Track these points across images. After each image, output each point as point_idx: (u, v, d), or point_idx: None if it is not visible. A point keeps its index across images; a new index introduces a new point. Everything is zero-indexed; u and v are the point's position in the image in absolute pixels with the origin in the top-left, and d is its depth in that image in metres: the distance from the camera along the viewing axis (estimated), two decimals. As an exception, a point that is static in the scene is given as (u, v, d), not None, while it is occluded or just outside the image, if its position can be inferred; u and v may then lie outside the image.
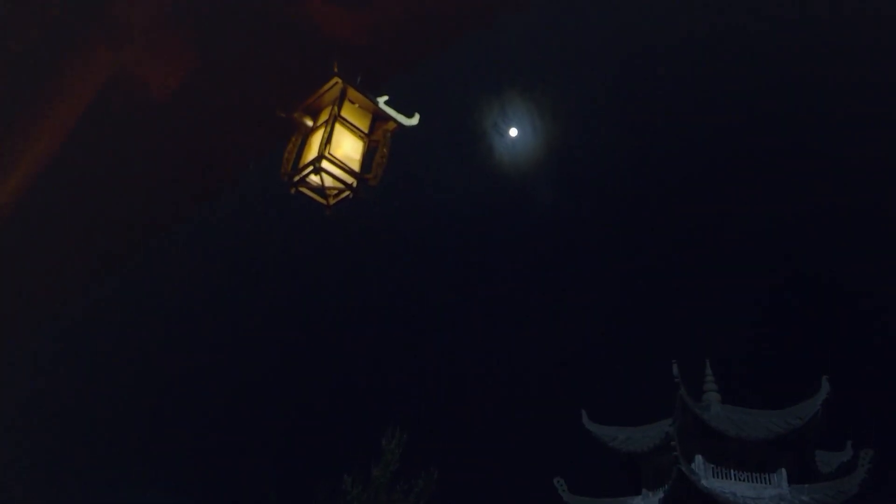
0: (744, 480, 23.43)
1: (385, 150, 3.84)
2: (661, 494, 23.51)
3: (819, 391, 23.94)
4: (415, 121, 3.94)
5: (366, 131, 3.85)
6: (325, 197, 3.77)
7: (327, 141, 3.56)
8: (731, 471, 23.62)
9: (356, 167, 3.71)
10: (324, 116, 3.81)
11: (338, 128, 3.67)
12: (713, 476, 23.36)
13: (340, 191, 3.73)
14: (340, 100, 3.74)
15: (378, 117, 3.94)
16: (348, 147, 3.72)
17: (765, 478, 23.58)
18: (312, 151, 3.68)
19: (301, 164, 3.70)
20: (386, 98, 3.93)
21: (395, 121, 3.90)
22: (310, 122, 3.90)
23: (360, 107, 3.87)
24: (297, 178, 3.67)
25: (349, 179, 3.65)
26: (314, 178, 3.62)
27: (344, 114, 3.74)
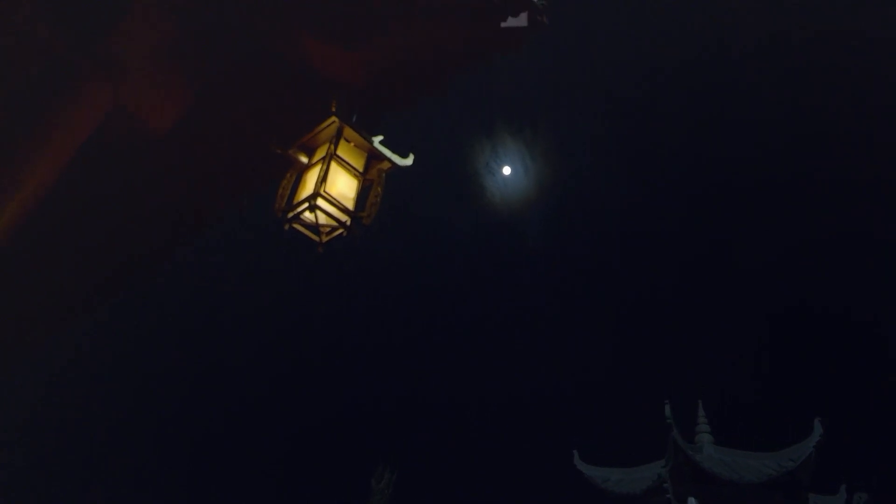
0: (737, 524, 23.03)
1: (379, 189, 3.87)
2: (654, 537, 23.08)
3: (812, 433, 23.78)
4: (409, 161, 3.99)
5: (361, 170, 3.89)
6: (319, 234, 3.79)
7: (323, 178, 3.59)
8: (725, 514, 23.25)
9: (350, 205, 3.73)
10: (320, 154, 3.85)
11: (333, 166, 3.70)
12: (706, 519, 22.99)
13: (334, 228, 3.75)
14: (337, 138, 3.78)
15: (373, 156, 3.99)
16: (343, 185, 3.75)
17: (758, 521, 23.20)
18: (307, 188, 3.71)
19: (296, 201, 3.73)
20: (381, 138, 3.98)
21: (389, 160, 3.95)
22: (305, 159, 3.93)
23: (355, 146, 3.92)
24: (291, 215, 3.69)
25: (343, 217, 3.67)
26: (308, 215, 3.64)
27: (340, 152, 3.78)
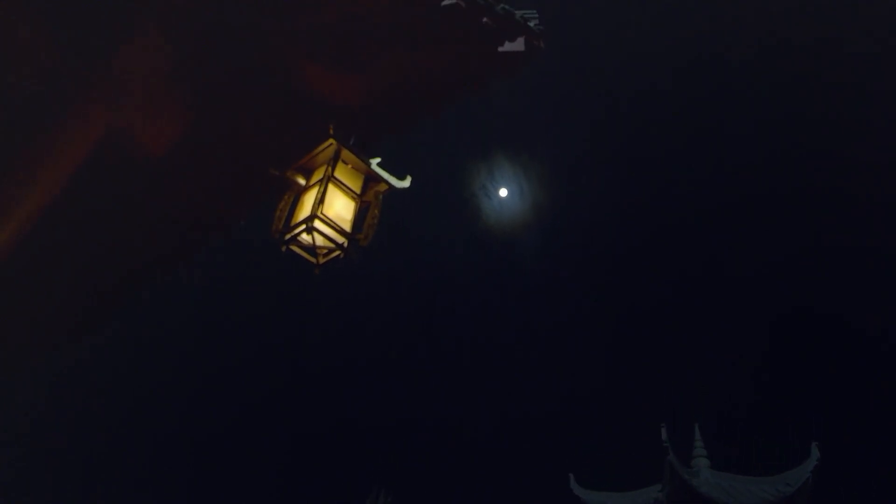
0: (734, 550, 22.82)
1: (376, 210, 3.88)
2: (650, 563, 22.85)
3: (809, 458, 23.66)
4: (406, 183, 4.00)
5: (358, 192, 3.91)
6: (316, 256, 3.79)
7: (320, 201, 3.60)
8: (722, 539, 23.04)
9: (347, 227, 3.74)
10: (317, 176, 3.87)
11: (331, 188, 3.72)
12: (704, 545, 22.77)
13: (331, 250, 3.75)
14: (334, 161, 3.80)
15: (370, 178, 4.00)
16: (340, 207, 3.76)
17: (756, 547, 22.99)
18: (305, 210, 3.72)
19: (293, 223, 3.73)
20: (378, 160, 4.00)
21: (386, 182, 3.96)
22: (302, 181, 3.95)
23: (353, 168, 3.94)
24: (288, 236, 3.69)
25: (340, 239, 3.68)
26: (305, 237, 3.65)
27: (337, 174, 3.79)
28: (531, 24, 4.07)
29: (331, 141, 3.80)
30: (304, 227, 3.58)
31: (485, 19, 3.86)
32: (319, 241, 3.65)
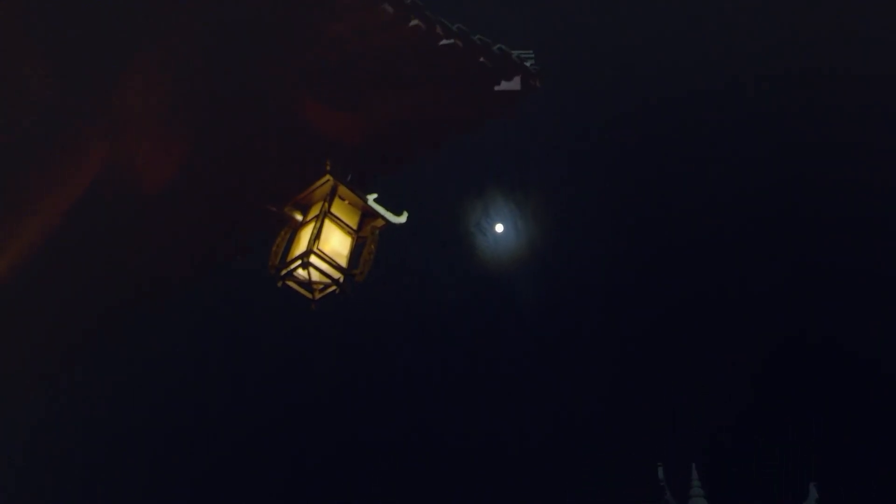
0: (733, 592, 22.46)
1: (373, 246, 3.90)
2: None
3: (807, 497, 23.42)
4: (403, 219, 4.03)
5: (354, 228, 3.92)
6: (312, 291, 3.79)
7: (316, 236, 3.61)
8: (720, 582, 22.69)
9: (344, 262, 3.75)
10: (314, 212, 3.89)
11: (327, 223, 3.73)
12: (701, 587, 22.40)
13: (327, 285, 3.76)
14: (331, 196, 3.82)
15: (367, 214, 4.02)
16: (337, 243, 3.77)
17: (755, 590, 22.62)
18: (301, 246, 3.73)
19: (289, 258, 3.74)
20: (375, 196, 4.02)
21: (383, 218, 3.98)
22: (299, 217, 3.97)
23: (349, 203, 3.96)
24: (284, 272, 3.70)
25: (336, 274, 3.69)
26: (301, 272, 3.65)
27: (334, 210, 3.81)
28: (527, 63, 4.14)
29: (327, 177, 3.83)
30: (299, 262, 3.58)
31: (481, 59, 3.93)
32: (315, 276, 3.66)
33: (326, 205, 3.78)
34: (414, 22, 3.63)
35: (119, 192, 4.03)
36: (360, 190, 3.96)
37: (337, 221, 3.82)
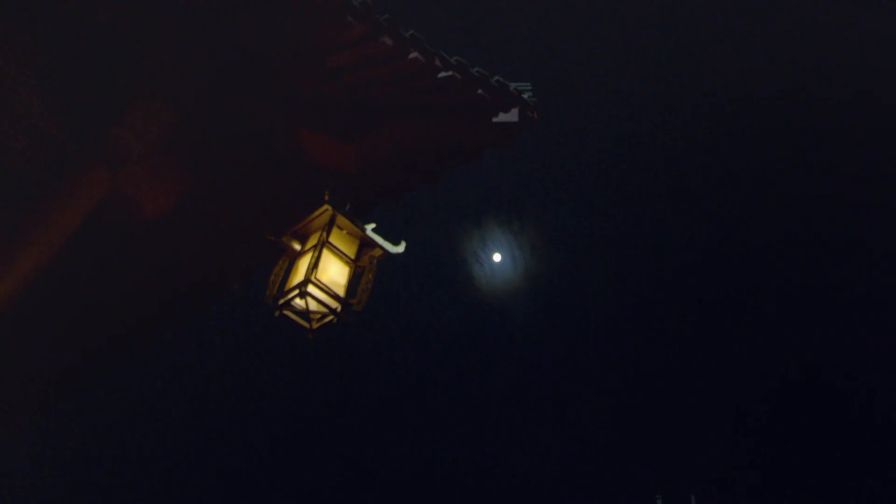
0: None
1: (370, 275, 3.90)
2: None
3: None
4: (401, 248, 4.03)
5: (352, 257, 3.93)
6: (309, 321, 3.78)
7: (314, 266, 3.61)
8: None
9: (341, 292, 3.75)
10: (312, 241, 3.89)
11: (325, 253, 3.74)
12: None
13: (324, 315, 3.75)
14: (329, 226, 3.83)
15: (365, 244, 4.03)
16: (334, 272, 3.77)
17: None
18: (299, 275, 3.73)
19: (287, 288, 3.74)
20: (374, 225, 4.04)
21: (381, 248, 3.99)
22: (298, 247, 3.97)
23: (347, 233, 3.97)
24: (281, 301, 3.69)
25: (333, 304, 3.68)
26: (299, 302, 3.65)
27: (332, 239, 3.82)
28: (525, 95, 4.19)
29: (326, 207, 3.84)
30: (297, 291, 3.58)
31: (479, 91, 3.97)
32: (313, 305, 3.65)
33: (325, 234, 3.78)
34: (413, 54, 3.69)
35: (118, 222, 4.04)
36: (359, 219, 3.98)
37: (335, 251, 3.83)
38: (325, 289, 3.64)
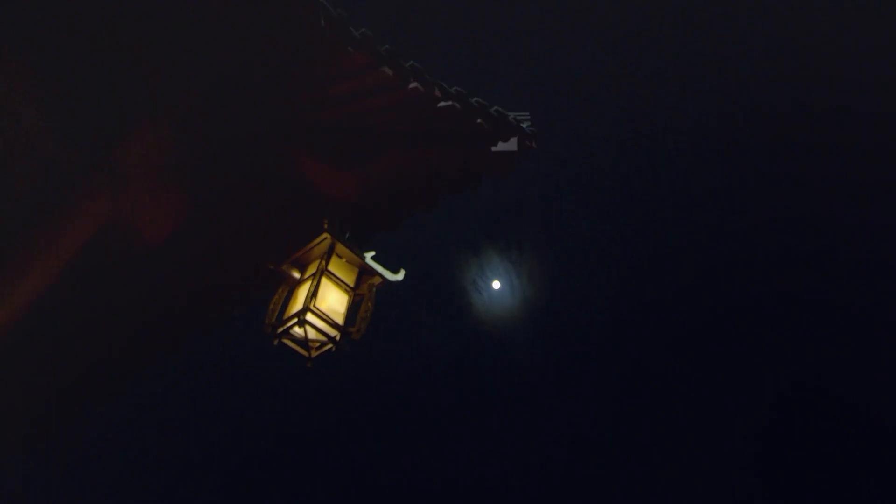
0: None
1: (370, 304, 3.89)
2: None
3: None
4: (400, 276, 4.03)
5: (352, 285, 3.92)
6: (308, 349, 3.77)
7: (313, 294, 3.60)
8: None
9: (340, 320, 3.74)
10: (311, 269, 3.89)
11: (324, 281, 3.73)
12: None
13: (323, 343, 3.73)
14: (328, 254, 3.83)
15: (364, 272, 4.03)
16: (333, 300, 3.76)
17: None
18: (298, 303, 3.72)
19: (286, 316, 3.73)
20: (373, 253, 4.04)
21: (380, 275, 3.99)
22: (297, 275, 3.97)
23: (347, 261, 3.97)
24: (280, 329, 3.68)
25: (332, 332, 3.67)
26: (298, 330, 3.63)
27: (331, 268, 3.82)
28: (524, 125, 4.22)
29: (325, 235, 3.85)
30: (296, 320, 3.57)
31: (479, 120, 4.00)
32: (312, 334, 3.63)
33: (324, 262, 3.78)
34: (413, 84, 3.72)
35: (119, 246, 4.04)
36: (358, 248, 3.98)
37: (334, 279, 3.82)
38: (324, 317, 3.63)
